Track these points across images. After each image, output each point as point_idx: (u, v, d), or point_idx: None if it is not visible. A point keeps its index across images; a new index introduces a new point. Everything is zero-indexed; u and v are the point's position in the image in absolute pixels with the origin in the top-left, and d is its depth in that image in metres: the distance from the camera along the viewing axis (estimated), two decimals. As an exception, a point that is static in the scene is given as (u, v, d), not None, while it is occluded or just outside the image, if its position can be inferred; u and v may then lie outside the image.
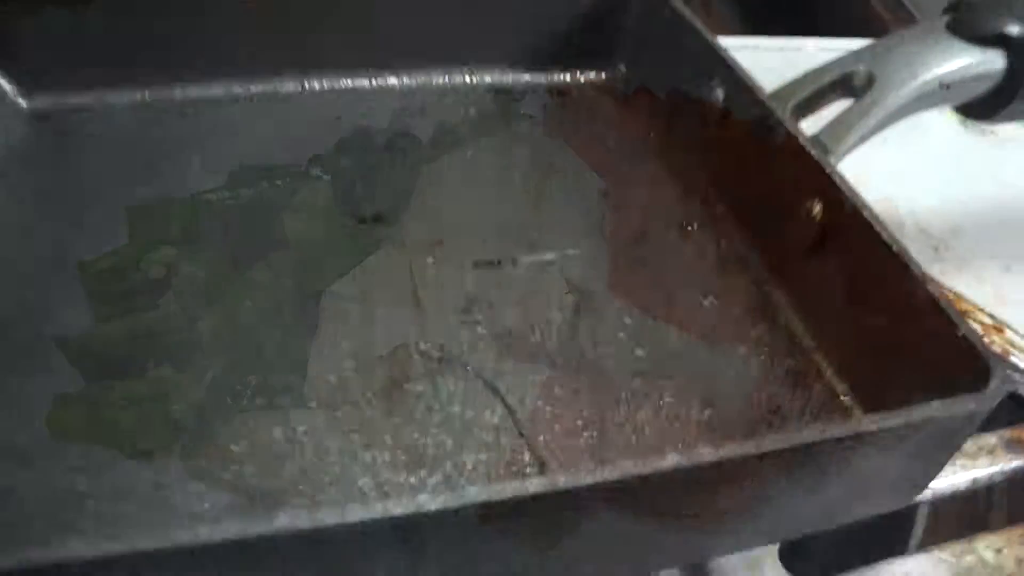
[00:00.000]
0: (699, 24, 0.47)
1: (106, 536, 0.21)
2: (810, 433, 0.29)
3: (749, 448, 0.28)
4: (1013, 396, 0.43)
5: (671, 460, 0.27)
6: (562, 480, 0.25)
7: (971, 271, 0.48)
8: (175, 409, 0.35)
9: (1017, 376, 0.43)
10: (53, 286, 0.38)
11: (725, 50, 0.45)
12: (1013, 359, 0.44)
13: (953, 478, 0.40)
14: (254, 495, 0.33)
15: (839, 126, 0.41)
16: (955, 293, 0.46)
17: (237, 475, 0.33)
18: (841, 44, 0.61)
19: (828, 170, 0.39)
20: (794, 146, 0.40)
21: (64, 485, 0.32)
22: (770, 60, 0.59)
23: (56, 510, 0.31)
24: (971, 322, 0.46)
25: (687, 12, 0.47)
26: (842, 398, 0.39)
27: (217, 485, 0.33)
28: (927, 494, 0.39)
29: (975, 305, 0.46)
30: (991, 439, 0.41)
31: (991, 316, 0.45)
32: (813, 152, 0.40)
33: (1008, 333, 0.45)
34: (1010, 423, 0.42)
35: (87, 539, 0.21)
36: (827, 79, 0.42)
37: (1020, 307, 0.46)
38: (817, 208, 0.39)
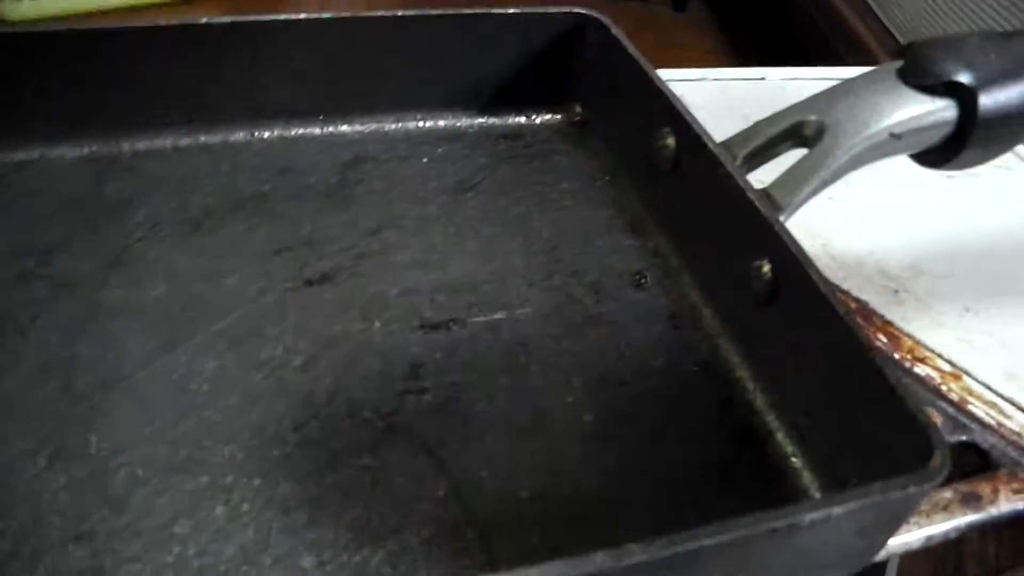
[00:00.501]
0: (650, 68, 0.46)
1: None
2: (747, 523, 0.28)
3: (686, 544, 0.28)
4: (970, 445, 0.43)
5: (598, 560, 0.27)
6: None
7: (930, 314, 0.47)
8: (112, 485, 0.35)
9: (974, 425, 0.43)
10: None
11: (676, 96, 0.44)
12: (970, 407, 0.43)
13: (907, 536, 0.39)
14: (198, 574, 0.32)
15: (789, 179, 0.40)
16: (913, 339, 0.46)
17: (179, 557, 0.33)
18: (804, 72, 0.60)
19: (776, 228, 0.39)
20: (743, 201, 0.40)
21: None
22: (735, 91, 0.59)
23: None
24: (929, 369, 0.46)
25: (638, 55, 0.47)
26: (791, 460, 0.39)
27: (160, 566, 0.32)
28: (882, 554, 0.39)
29: (933, 351, 0.45)
30: (946, 494, 0.40)
31: (949, 362, 0.45)
32: (761, 208, 0.39)
33: (966, 380, 0.44)
34: (966, 474, 0.42)
35: None
36: (778, 128, 0.42)
37: (980, 351, 0.46)
38: (767, 268, 0.39)
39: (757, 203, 0.39)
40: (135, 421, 0.37)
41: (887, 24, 1.27)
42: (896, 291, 0.48)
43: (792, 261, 0.38)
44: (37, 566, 0.32)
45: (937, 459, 0.30)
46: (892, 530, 0.33)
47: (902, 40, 1.24)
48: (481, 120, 0.52)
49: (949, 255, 0.50)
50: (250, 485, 0.35)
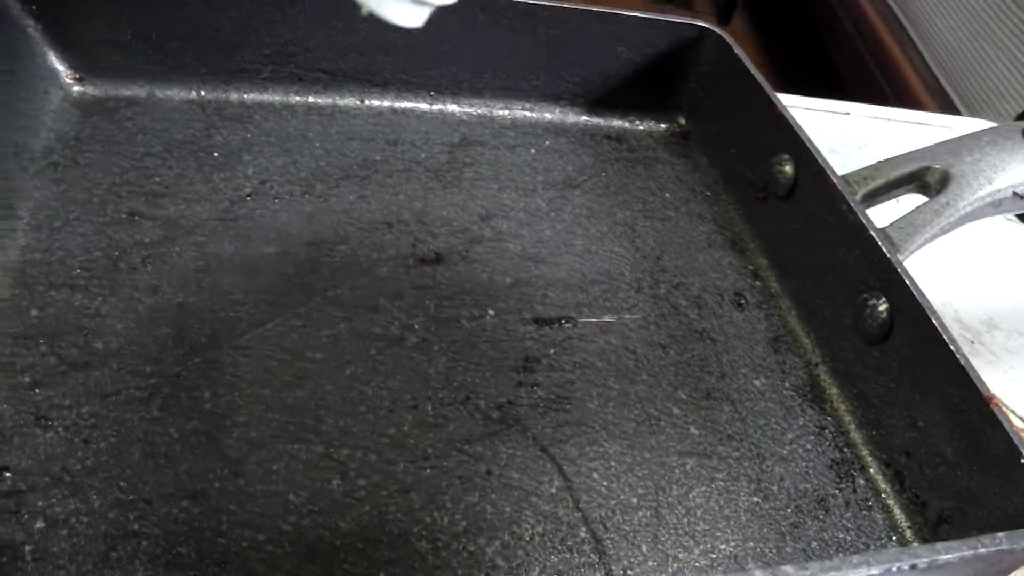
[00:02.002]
0: (772, 92, 0.46)
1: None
2: (875, 558, 0.29)
3: (842, 570, 0.28)
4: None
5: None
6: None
7: (1003, 368, 0.48)
8: (227, 445, 0.34)
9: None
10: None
11: (799, 124, 0.45)
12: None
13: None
14: (313, 549, 0.32)
15: (909, 224, 0.41)
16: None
17: (295, 527, 0.33)
18: (888, 113, 0.61)
19: (899, 269, 0.39)
20: (865, 238, 0.41)
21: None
22: (820, 122, 0.59)
23: (113, 556, 0.30)
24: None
25: (760, 77, 0.47)
26: (883, 495, 0.39)
27: (276, 534, 0.32)
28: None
29: (1006, 406, 0.47)
30: None
31: (1021, 418, 0.46)
32: (884, 247, 0.40)
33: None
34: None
35: None
36: (901, 172, 0.43)
37: (1047, 409, 0.47)
38: (883, 307, 0.39)
39: (880, 241, 0.40)
40: (248, 382, 0.36)
41: (932, 67, 1.29)
42: (972, 341, 0.49)
43: (913, 303, 0.38)
44: (150, 518, 0.32)
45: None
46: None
47: (946, 83, 1.27)
48: (586, 119, 0.52)
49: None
50: (366, 460, 0.35)
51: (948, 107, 1.27)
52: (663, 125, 0.53)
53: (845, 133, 0.57)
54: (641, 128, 0.53)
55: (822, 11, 1.79)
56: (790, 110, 0.46)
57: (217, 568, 0.31)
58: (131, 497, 0.32)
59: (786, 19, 2.00)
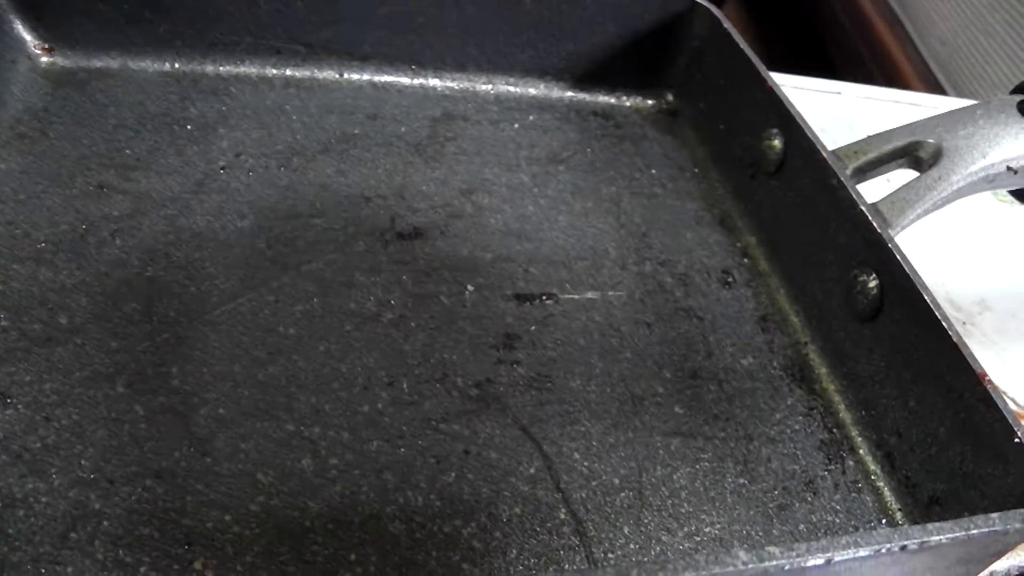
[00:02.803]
0: (762, 67, 0.45)
1: None
2: (863, 539, 0.28)
3: (827, 552, 0.27)
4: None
5: (743, 558, 0.26)
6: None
7: (994, 350, 0.47)
8: (194, 423, 0.33)
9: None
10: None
11: (788, 100, 0.44)
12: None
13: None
14: (282, 530, 0.31)
15: (900, 199, 0.40)
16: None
17: (264, 507, 0.31)
18: (879, 93, 0.60)
19: (890, 245, 0.38)
20: (855, 213, 0.39)
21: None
22: (811, 101, 0.58)
23: (71, 535, 0.29)
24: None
25: (751, 53, 0.46)
26: (873, 477, 0.38)
27: (244, 515, 0.31)
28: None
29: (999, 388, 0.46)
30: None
31: (1013, 400, 0.45)
32: (875, 222, 0.39)
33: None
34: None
35: None
36: (892, 146, 0.41)
37: (1042, 391, 0.46)
38: (873, 283, 0.38)
39: (870, 216, 0.39)
40: (218, 358, 0.35)
41: (923, 52, 1.28)
42: (964, 323, 0.48)
43: (905, 279, 0.37)
44: (112, 497, 0.31)
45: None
46: (992, 560, 0.33)
47: (936, 69, 1.26)
48: (571, 94, 0.51)
49: (1017, 295, 0.50)
50: (338, 439, 0.34)
51: (938, 91, 1.26)
52: (651, 101, 0.52)
53: (835, 112, 0.56)
54: (628, 104, 0.52)
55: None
56: (780, 88, 0.45)
57: (182, 549, 0.30)
58: (93, 476, 0.31)
59: (778, 5, 1.99)
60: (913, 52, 1.32)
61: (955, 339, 0.35)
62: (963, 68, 1.22)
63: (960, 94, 1.24)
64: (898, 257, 0.38)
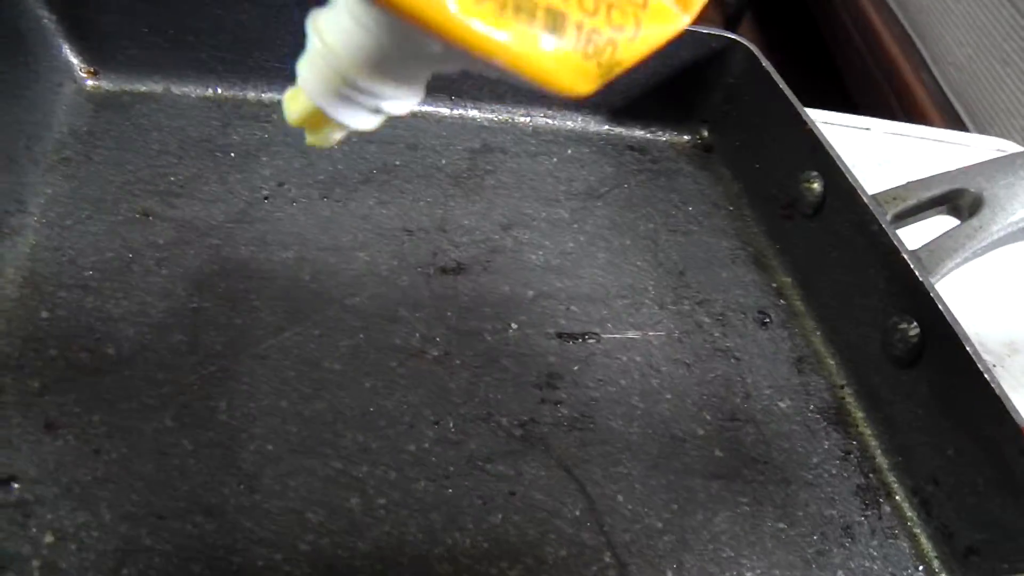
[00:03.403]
0: (801, 107, 0.46)
1: None
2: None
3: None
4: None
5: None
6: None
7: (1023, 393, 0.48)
8: (242, 459, 0.33)
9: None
10: (119, 305, 0.36)
11: (828, 142, 0.44)
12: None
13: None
14: (332, 569, 0.31)
15: (940, 247, 0.40)
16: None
17: (314, 546, 0.31)
18: (907, 129, 0.60)
19: (932, 294, 0.38)
20: (896, 260, 0.40)
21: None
22: (841, 137, 0.58)
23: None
24: None
25: (789, 92, 0.46)
26: (909, 523, 0.39)
27: (294, 554, 0.31)
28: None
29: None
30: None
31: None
32: (918, 271, 0.39)
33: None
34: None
35: None
36: (932, 193, 0.42)
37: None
38: (914, 331, 0.39)
39: (912, 265, 0.39)
40: (265, 393, 0.35)
41: (940, 81, 1.29)
42: (993, 365, 0.48)
43: (946, 329, 0.38)
44: (162, 533, 0.30)
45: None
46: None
47: (952, 96, 1.27)
48: (607, 128, 0.51)
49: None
50: (385, 478, 0.34)
51: (956, 122, 1.27)
52: (686, 137, 0.53)
53: (864, 149, 0.57)
54: (664, 139, 0.52)
55: (831, 24, 1.79)
56: (819, 128, 0.45)
57: (232, 588, 0.30)
58: (143, 511, 0.31)
59: (793, 32, 2.00)
60: (928, 78, 1.33)
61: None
62: (979, 96, 1.23)
63: (977, 124, 1.25)
64: (940, 307, 0.38)
